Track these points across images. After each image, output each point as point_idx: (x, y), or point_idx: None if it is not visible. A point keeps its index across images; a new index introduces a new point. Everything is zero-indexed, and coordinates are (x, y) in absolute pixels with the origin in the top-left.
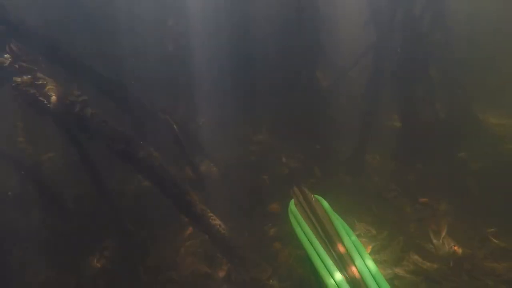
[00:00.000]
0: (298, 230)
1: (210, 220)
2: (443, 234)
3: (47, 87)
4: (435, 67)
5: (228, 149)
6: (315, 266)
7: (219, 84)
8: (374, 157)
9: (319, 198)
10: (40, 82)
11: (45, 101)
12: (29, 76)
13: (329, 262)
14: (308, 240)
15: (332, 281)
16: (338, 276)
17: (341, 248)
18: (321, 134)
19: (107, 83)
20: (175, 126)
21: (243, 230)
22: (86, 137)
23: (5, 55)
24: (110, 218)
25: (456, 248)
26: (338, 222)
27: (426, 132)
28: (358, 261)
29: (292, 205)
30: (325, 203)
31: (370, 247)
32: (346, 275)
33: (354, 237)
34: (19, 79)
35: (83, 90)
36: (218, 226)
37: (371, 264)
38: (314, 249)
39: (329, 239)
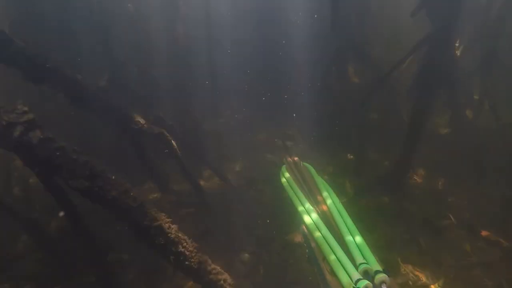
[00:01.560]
0: (287, 187)
1: (211, 275)
2: None
3: None
4: (503, 64)
5: (245, 158)
6: (295, 206)
7: (239, 84)
8: (419, 172)
9: (307, 164)
10: None
11: None
12: None
13: (306, 202)
14: (294, 191)
15: (302, 208)
16: (309, 207)
17: (319, 197)
18: (355, 141)
19: (80, 89)
20: (173, 142)
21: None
22: (34, 172)
23: None
24: None
25: None
26: (320, 181)
27: (483, 142)
28: (329, 201)
29: (283, 168)
30: (312, 169)
31: None
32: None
33: (334, 196)
34: None
35: (47, 100)
36: (222, 282)
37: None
38: (297, 196)
39: (311, 192)
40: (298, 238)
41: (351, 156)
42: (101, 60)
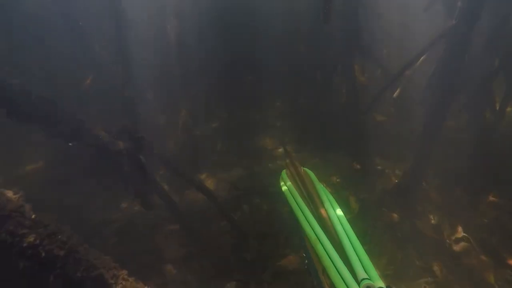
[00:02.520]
0: (287, 194)
1: None
2: None
3: None
4: None
5: (236, 166)
6: (297, 218)
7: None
8: (432, 184)
9: (308, 170)
10: None
11: None
12: None
13: (308, 213)
14: (295, 200)
15: (303, 217)
16: (310, 216)
17: (322, 211)
18: (362, 149)
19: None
20: (140, 157)
21: None
22: None
23: None
24: None
25: None
26: (321, 189)
27: (506, 149)
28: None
29: (283, 173)
30: (312, 175)
31: None
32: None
33: (336, 204)
34: None
35: None
36: None
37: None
38: (297, 204)
39: (312, 200)
40: (294, 264)
41: (358, 166)
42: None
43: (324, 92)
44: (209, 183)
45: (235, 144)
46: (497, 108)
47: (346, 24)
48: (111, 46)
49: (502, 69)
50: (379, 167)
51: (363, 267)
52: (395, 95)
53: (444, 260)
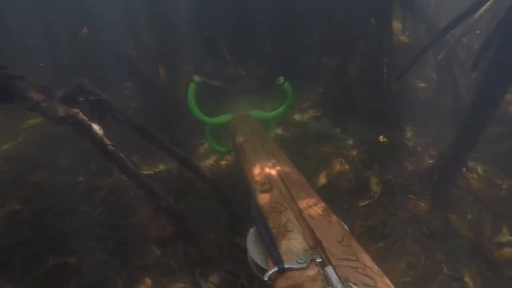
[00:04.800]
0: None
1: None
2: None
3: None
4: None
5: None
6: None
7: None
8: (475, 170)
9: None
10: None
11: None
12: None
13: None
14: None
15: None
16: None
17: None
18: (393, 120)
19: None
20: (92, 127)
21: None
22: None
23: None
24: None
25: None
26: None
27: None
28: None
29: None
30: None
31: None
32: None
33: None
34: None
35: None
36: None
37: None
38: None
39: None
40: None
41: (385, 139)
42: None
43: (353, 52)
44: None
45: None
46: None
47: None
48: None
49: None
50: (410, 144)
51: None
52: (439, 57)
53: (481, 269)
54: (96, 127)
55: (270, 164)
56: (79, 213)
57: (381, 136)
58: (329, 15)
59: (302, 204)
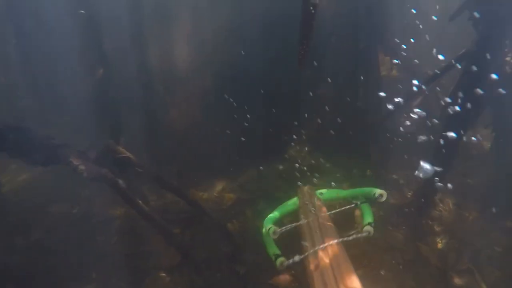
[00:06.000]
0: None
1: None
2: None
3: None
4: None
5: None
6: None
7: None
8: (446, 202)
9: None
10: None
11: None
12: None
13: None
14: None
15: None
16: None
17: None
18: (378, 156)
19: None
20: (119, 182)
21: None
22: None
23: None
24: None
25: None
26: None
27: None
28: None
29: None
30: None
31: None
32: None
33: None
34: None
35: None
36: None
37: None
38: None
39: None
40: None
41: (370, 173)
42: None
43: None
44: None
45: None
46: None
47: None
48: None
49: None
50: (394, 176)
51: None
52: (415, 104)
53: None
54: (120, 181)
55: None
56: (96, 242)
57: (367, 170)
58: None
59: None
